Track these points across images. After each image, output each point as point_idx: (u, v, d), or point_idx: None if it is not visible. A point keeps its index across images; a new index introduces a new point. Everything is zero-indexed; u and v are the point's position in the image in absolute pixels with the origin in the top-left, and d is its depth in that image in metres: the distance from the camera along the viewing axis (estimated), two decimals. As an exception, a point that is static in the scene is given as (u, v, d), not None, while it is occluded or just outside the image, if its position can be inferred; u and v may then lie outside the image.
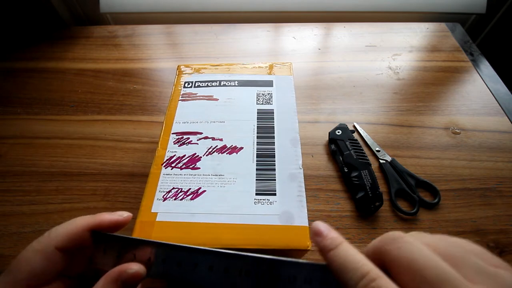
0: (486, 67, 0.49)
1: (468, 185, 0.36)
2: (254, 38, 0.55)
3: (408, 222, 0.33)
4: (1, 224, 0.34)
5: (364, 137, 0.40)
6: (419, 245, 0.14)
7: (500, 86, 0.46)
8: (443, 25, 0.57)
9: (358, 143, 0.37)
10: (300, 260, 0.18)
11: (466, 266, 0.13)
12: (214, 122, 0.29)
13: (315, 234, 0.17)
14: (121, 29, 0.58)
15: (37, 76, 0.50)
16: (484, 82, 0.47)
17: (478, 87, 0.46)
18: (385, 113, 0.43)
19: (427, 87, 0.47)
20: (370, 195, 0.33)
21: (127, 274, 0.17)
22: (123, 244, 0.19)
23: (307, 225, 0.22)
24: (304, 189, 0.24)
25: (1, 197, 0.36)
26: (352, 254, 0.15)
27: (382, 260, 0.15)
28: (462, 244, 0.15)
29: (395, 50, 0.52)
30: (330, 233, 0.17)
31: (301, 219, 0.23)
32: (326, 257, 0.16)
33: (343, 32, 0.56)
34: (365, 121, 0.42)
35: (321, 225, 0.17)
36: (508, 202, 0.34)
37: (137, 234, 0.22)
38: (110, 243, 0.19)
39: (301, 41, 0.55)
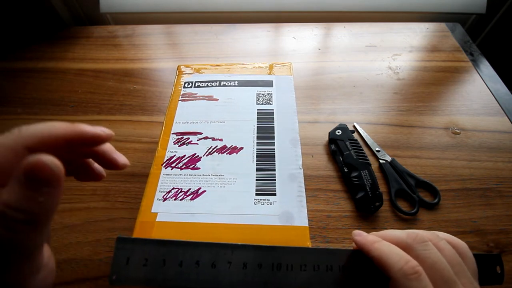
0: (486, 67, 0.49)
1: (468, 185, 0.36)
2: (254, 38, 0.55)
3: (408, 222, 0.33)
4: (1, 224, 0.33)
5: (364, 137, 0.40)
6: (438, 252, 0.20)
7: (500, 86, 0.46)
8: (443, 25, 0.57)
9: (358, 143, 0.37)
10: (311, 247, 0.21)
11: (462, 277, 0.19)
12: (214, 122, 0.29)
13: (356, 235, 0.21)
14: (121, 29, 0.58)
15: (37, 76, 0.50)
16: (484, 82, 0.47)
17: (478, 87, 0.46)
18: (385, 113, 0.43)
19: (427, 87, 0.47)
20: (370, 195, 0.33)
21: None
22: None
23: (307, 225, 0.22)
24: (304, 189, 0.24)
25: (1, 197, 0.36)
26: (394, 247, 0.20)
27: (406, 251, 0.20)
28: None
29: (395, 50, 0.52)
30: (369, 235, 0.22)
31: (301, 219, 0.23)
32: (370, 248, 0.20)
33: (343, 32, 0.56)
34: (365, 121, 0.42)
35: (360, 231, 0.22)
36: (508, 202, 0.34)
37: (137, 234, 0.22)
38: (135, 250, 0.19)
39: (301, 41, 0.55)
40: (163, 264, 0.19)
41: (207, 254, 0.19)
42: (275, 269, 0.19)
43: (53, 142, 0.16)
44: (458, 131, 0.41)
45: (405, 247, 0.20)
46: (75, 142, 0.17)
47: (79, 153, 0.20)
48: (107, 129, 0.19)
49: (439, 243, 0.20)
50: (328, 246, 0.32)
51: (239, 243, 0.19)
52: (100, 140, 0.18)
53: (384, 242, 0.20)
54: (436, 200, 0.34)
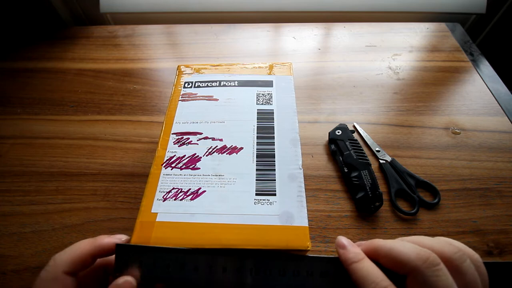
0: (486, 67, 0.49)
1: (468, 185, 0.36)
2: (254, 38, 0.55)
3: (408, 222, 0.33)
4: (1, 224, 0.34)
5: (364, 137, 0.40)
6: (450, 280, 0.17)
7: (500, 86, 0.46)
8: (443, 25, 0.57)
9: (358, 143, 0.37)
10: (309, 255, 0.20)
11: None
12: (214, 122, 0.29)
13: (339, 247, 0.20)
14: (121, 29, 0.58)
15: (37, 76, 0.50)
16: (484, 82, 0.47)
17: (478, 87, 0.46)
18: (385, 113, 0.43)
19: (427, 87, 0.47)
20: (370, 195, 0.33)
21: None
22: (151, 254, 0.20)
23: (307, 225, 0.22)
24: (304, 189, 0.24)
25: (1, 197, 0.36)
26: (373, 270, 0.18)
27: (411, 273, 0.17)
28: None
29: (395, 50, 0.52)
30: (353, 248, 0.20)
31: (301, 219, 0.23)
32: (349, 268, 0.19)
33: (343, 32, 0.56)
34: (365, 121, 0.42)
35: (344, 240, 0.20)
36: (508, 202, 0.34)
37: (137, 234, 0.22)
38: (133, 256, 0.20)
39: (301, 41, 0.55)
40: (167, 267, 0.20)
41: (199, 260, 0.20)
42: (253, 274, 0.20)
43: (83, 261, 0.19)
44: (458, 131, 0.41)
45: (411, 269, 0.17)
46: (98, 256, 0.20)
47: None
48: (124, 236, 0.22)
49: (463, 266, 0.17)
50: (328, 246, 0.32)
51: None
52: None
53: (365, 262, 0.18)
54: (436, 200, 0.34)
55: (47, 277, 0.19)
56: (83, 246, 0.20)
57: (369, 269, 0.18)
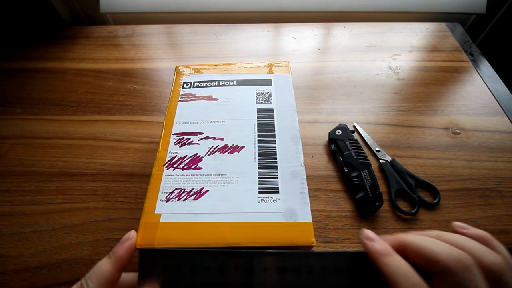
0: (486, 67, 0.49)
1: (468, 185, 0.36)
2: (254, 38, 0.55)
3: (408, 222, 0.33)
4: (1, 224, 0.34)
5: (364, 137, 0.40)
6: (478, 277, 0.16)
7: (500, 86, 0.46)
8: (443, 25, 0.57)
9: (358, 143, 0.37)
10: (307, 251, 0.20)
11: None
12: (214, 122, 0.29)
13: (366, 238, 0.19)
14: (121, 29, 0.58)
15: (37, 76, 0.50)
16: (484, 82, 0.47)
17: (478, 87, 0.46)
18: (385, 113, 0.43)
19: (427, 87, 0.47)
20: (370, 195, 0.33)
21: None
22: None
23: (310, 221, 0.22)
24: (306, 186, 0.24)
25: (1, 197, 0.36)
26: (404, 264, 0.17)
27: (440, 274, 0.17)
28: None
29: (395, 50, 0.53)
30: (381, 240, 0.19)
31: (304, 215, 0.23)
32: (378, 261, 0.18)
33: (343, 32, 0.56)
34: (365, 121, 0.42)
35: (370, 232, 0.20)
36: (508, 202, 0.34)
37: (141, 236, 0.22)
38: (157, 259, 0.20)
39: (301, 41, 0.55)
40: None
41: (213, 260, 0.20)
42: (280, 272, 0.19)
43: (112, 280, 0.20)
44: (458, 131, 0.41)
45: (442, 269, 0.16)
46: (122, 268, 0.21)
47: None
48: (130, 232, 0.22)
49: (504, 277, 0.16)
50: (328, 246, 0.32)
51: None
52: (133, 248, 0.21)
53: (396, 257, 0.18)
54: (436, 200, 0.34)
55: None
56: (105, 267, 0.20)
57: (400, 263, 0.17)
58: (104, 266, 0.20)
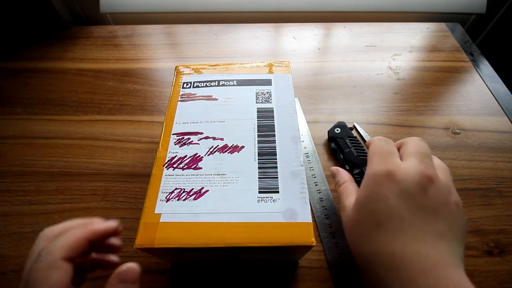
0: (486, 67, 0.49)
1: (468, 185, 0.36)
2: (254, 38, 0.55)
3: (408, 222, 0.33)
4: (1, 224, 0.34)
5: (364, 137, 0.40)
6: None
7: (500, 86, 0.46)
8: (443, 25, 0.57)
9: (358, 140, 0.37)
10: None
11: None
12: (214, 122, 0.29)
13: (332, 176, 0.32)
14: (121, 29, 0.58)
15: (37, 76, 0.50)
16: (484, 82, 0.47)
17: (478, 87, 0.46)
18: (385, 113, 0.43)
19: (427, 87, 0.47)
20: (371, 195, 0.33)
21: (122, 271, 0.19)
22: None
23: (310, 221, 0.22)
24: (306, 186, 0.24)
25: (1, 197, 0.36)
26: (349, 186, 0.29)
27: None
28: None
29: (395, 50, 0.53)
30: (338, 173, 0.31)
31: (304, 215, 0.23)
32: (337, 190, 0.30)
33: (343, 32, 0.56)
34: (365, 121, 0.42)
35: (333, 168, 0.32)
36: (508, 202, 0.34)
37: (141, 236, 0.22)
38: None
39: (301, 41, 0.55)
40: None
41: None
42: None
43: (81, 247, 0.19)
44: (458, 131, 0.41)
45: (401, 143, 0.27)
46: (94, 241, 0.20)
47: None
48: (115, 221, 0.21)
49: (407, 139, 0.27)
50: (329, 246, 0.32)
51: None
52: (112, 233, 0.21)
53: (345, 184, 0.29)
54: (436, 200, 0.34)
55: (44, 266, 0.18)
56: (77, 233, 0.19)
57: (347, 186, 0.29)
58: (77, 231, 0.19)
